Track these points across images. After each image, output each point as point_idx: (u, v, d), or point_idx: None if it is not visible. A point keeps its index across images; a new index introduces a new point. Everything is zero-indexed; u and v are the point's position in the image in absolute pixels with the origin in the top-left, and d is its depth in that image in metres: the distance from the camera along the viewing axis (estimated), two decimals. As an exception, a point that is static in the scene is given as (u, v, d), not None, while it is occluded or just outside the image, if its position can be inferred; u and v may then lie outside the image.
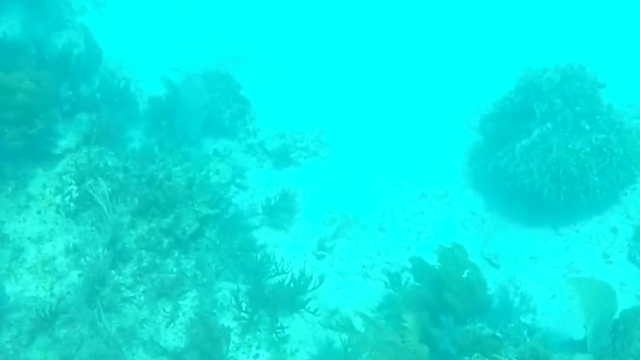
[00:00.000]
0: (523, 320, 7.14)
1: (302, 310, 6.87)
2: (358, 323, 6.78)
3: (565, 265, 7.97)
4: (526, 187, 8.16)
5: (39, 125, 7.05)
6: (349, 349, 6.52)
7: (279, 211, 8.27)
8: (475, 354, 5.76)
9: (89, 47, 9.20)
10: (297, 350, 6.63)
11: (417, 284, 6.75)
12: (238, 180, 8.90)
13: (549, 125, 8.23)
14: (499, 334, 6.48)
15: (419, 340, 6.01)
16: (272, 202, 8.39)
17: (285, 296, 6.90)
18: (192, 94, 9.33)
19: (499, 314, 7.10)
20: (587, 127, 8.30)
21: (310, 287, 6.92)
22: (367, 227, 8.44)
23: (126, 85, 9.28)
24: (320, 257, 7.76)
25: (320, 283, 6.90)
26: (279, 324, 6.58)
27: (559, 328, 7.21)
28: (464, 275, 6.41)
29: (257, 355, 6.43)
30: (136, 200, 7.14)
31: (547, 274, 7.90)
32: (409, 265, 6.98)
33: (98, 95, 8.65)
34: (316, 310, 6.82)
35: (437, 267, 6.48)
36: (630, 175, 8.19)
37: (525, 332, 6.68)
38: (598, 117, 8.38)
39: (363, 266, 7.82)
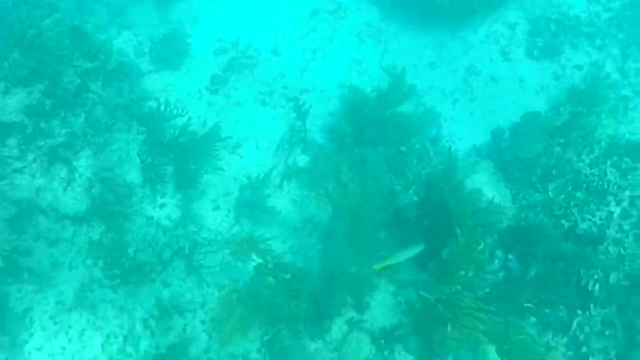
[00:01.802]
0: (427, 131, 7.43)
1: (205, 153, 6.89)
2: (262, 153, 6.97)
3: (465, 68, 8.03)
4: (420, -6, 7.79)
5: None
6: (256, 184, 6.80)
7: (167, 50, 7.72)
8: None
9: None
10: (204, 194, 6.81)
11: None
12: (118, 20, 8.11)
13: None
14: (403, 149, 6.78)
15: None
16: (159, 40, 7.80)
17: (185, 141, 6.83)
18: None
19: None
20: None
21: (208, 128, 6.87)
22: (260, 51, 8.05)
23: None
24: (214, 92, 7.50)
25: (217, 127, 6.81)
26: (182, 170, 6.64)
27: (463, 133, 7.55)
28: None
29: (163, 205, 6.58)
30: (6, 64, 6.49)
31: (448, 79, 7.98)
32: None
33: None
34: (218, 148, 6.87)
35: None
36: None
37: (428, 145, 6.98)
38: None
39: (260, 93, 7.64)
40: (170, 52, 7.71)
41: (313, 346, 5.64)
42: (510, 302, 5.47)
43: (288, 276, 5.47)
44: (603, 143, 6.14)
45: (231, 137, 6.91)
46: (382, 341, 5.50)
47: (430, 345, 5.32)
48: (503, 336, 5.10)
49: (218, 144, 6.70)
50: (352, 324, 5.66)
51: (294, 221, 6.63)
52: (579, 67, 7.76)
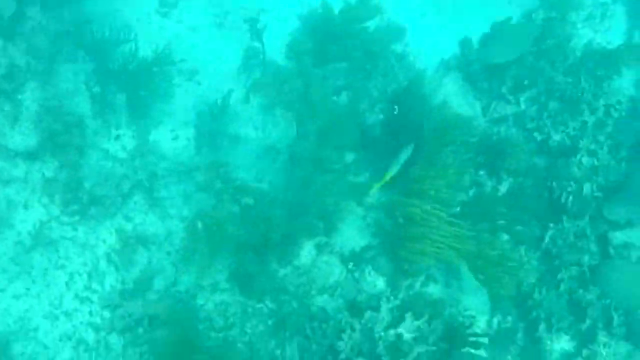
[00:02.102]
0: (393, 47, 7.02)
1: (159, 79, 6.47)
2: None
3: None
4: None
5: None
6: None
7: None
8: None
9: None
10: (161, 123, 6.44)
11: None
12: None
13: None
14: (368, 66, 6.42)
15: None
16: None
17: (136, 67, 6.38)
18: None
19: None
20: None
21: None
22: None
23: None
24: (165, 15, 6.94)
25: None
26: (135, 99, 6.23)
27: (431, 48, 7.15)
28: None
29: (118, 136, 6.22)
30: None
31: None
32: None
33: None
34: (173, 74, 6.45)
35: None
36: None
37: (392, 60, 6.60)
38: None
39: (215, 15, 7.10)
40: (115, -28, 7.09)
41: (281, 272, 5.50)
42: (482, 219, 5.33)
43: (251, 202, 5.25)
44: (578, 52, 5.85)
45: (185, 60, 6.46)
46: (352, 264, 5.38)
47: (401, 265, 5.21)
48: (475, 253, 5.00)
49: (171, 67, 6.27)
50: (321, 248, 5.51)
51: (258, 148, 6.34)
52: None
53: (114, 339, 5.59)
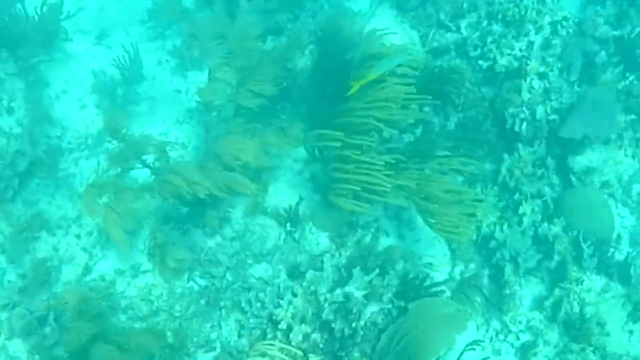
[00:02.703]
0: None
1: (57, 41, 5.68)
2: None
3: None
4: None
5: None
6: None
7: None
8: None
9: None
10: (66, 92, 5.64)
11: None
12: None
13: None
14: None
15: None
16: None
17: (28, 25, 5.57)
18: None
19: None
20: None
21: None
22: None
23: None
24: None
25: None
26: (25, 67, 5.43)
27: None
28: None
29: (11, 110, 5.38)
30: None
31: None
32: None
33: None
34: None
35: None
36: None
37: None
38: None
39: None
40: None
41: (211, 242, 4.78)
42: (430, 157, 4.74)
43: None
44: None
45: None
46: (288, 224, 4.70)
47: (342, 216, 4.57)
48: (422, 192, 4.38)
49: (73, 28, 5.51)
50: (253, 211, 4.81)
51: (179, 112, 5.61)
52: None
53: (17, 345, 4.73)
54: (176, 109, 5.60)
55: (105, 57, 5.83)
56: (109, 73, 5.73)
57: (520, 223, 4.63)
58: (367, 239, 4.72)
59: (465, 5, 5.07)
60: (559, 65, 5.06)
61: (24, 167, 5.15)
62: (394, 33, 4.84)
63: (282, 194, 4.97)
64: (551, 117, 4.80)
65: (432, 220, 4.44)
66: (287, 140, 4.90)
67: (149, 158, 4.74)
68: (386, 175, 4.20)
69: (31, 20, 5.51)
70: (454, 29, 5.11)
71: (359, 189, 4.12)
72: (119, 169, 4.63)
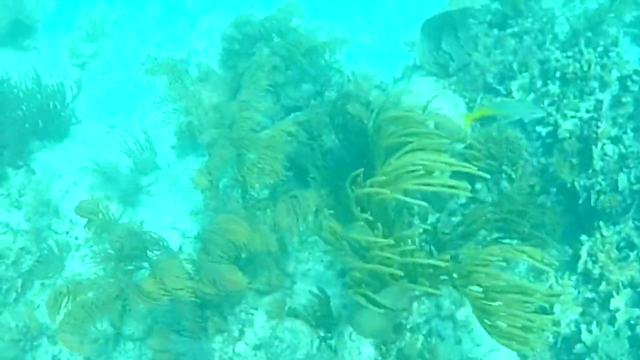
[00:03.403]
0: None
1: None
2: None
3: None
4: None
5: None
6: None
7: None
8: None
9: None
10: (75, 183, 5.23)
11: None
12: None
13: None
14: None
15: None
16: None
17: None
18: None
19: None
20: None
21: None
22: (136, 14, 6.59)
23: None
24: (83, 66, 6.00)
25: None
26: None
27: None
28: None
29: (19, 205, 4.97)
30: None
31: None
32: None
33: None
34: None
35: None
36: None
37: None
38: None
39: (142, 63, 6.14)
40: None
41: (228, 351, 3.98)
42: (485, 242, 3.92)
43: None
44: (567, 27, 4.76)
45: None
46: (322, 329, 3.87)
47: (388, 318, 3.72)
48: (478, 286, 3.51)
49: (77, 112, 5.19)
50: (279, 312, 4.03)
51: (194, 202, 5.06)
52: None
53: None
54: (191, 198, 5.07)
55: (117, 144, 5.46)
56: (122, 161, 5.33)
57: (612, 321, 3.68)
58: (419, 345, 3.84)
59: (515, 65, 4.45)
60: (632, 125, 4.29)
61: (28, 266, 4.67)
62: (435, 97, 4.24)
63: (312, 291, 4.21)
64: (635, 187, 3.96)
65: (489, 323, 3.53)
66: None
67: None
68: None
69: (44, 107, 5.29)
70: (503, 92, 4.47)
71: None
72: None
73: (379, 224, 3.35)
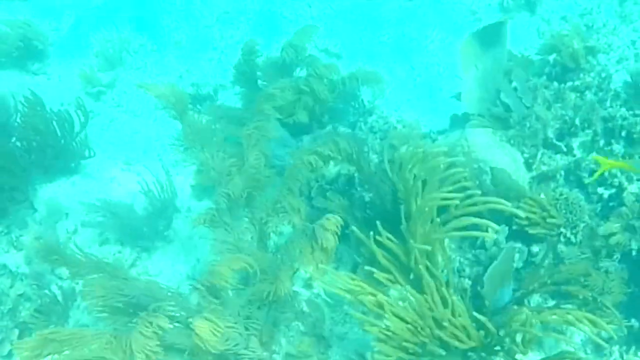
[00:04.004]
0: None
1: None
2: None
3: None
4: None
5: None
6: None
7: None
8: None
9: None
10: (84, 224, 4.72)
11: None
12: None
13: None
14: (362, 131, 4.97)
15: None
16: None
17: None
18: None
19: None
20: None
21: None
22: (159, 44, 6.24)
23: None
24: (98, 96, 5.59)
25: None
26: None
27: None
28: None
29: (20, 245, 4.45)
30: None
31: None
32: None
33: None
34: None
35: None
36: None
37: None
38: None
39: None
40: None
41: None
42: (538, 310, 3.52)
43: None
44: (621, 83, 4.51)
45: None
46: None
47: None
48: None
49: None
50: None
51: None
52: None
53: None
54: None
55: (134, 183, 5.00)
56: (136, 202, 4.86)
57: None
58: None
59: (577, 121, 4.15)
60: None
61: (27, 315, 4.14)
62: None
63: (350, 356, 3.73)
64: None
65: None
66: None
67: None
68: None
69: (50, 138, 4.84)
70: (564, 149, 4.15)
71: None
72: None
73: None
